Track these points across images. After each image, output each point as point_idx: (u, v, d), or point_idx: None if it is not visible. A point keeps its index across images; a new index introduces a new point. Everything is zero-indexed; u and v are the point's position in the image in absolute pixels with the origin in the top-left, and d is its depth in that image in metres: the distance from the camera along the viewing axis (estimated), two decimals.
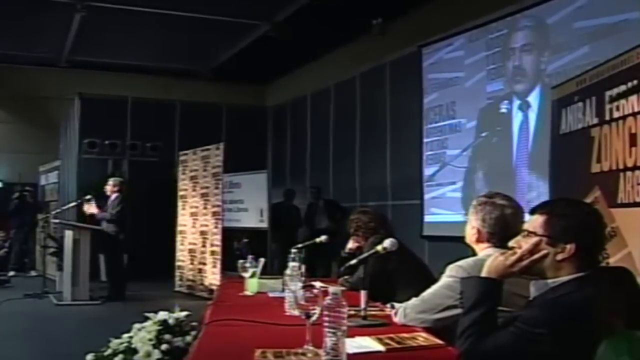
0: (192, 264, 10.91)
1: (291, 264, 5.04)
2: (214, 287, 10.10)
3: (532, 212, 2.50)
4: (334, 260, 11.56)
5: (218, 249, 10.23)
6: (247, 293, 4.43)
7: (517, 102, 8.79)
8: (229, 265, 10.43)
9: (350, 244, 5.07)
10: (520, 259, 2.41)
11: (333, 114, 13.40)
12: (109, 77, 16.09)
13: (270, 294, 4.36)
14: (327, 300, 2.28)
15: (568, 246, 2.34)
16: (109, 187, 10.36)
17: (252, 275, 4.49)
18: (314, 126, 14.16)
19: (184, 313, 4.08)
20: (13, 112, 16.45)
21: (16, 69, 16.12)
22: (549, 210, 2.44)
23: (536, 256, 2.37)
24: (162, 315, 4.01)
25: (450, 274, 3.11)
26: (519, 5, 8.87)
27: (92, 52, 14.95)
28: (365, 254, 3.51)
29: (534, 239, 2.39)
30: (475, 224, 3.23)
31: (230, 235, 11.27)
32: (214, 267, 10.25)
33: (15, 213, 13.98)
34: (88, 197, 10.50)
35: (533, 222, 2.46)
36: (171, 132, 14.64)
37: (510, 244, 2.51)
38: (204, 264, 10.53)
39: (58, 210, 11.51)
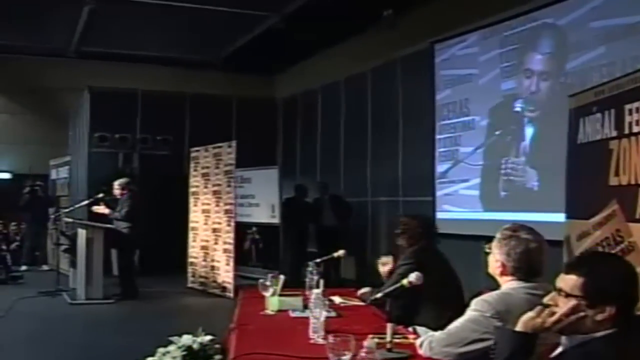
0: (204, 260, 10.98)
1: (308, 277, 5.16)
2: (227, 285, 10.23)
3: (568, 270, 2.48)
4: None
5: (231, 247, 10.29)
6: (268, 312, 4.47)
7: (526, 104, 8.79)
8: (240, 259, 10.55)
9: (381, 268, 5.14)
10: (557, 321, 2.41)
11: (344, 108, 13.40)
12: (118, 67, 16.08)
13: (292, 314, 4.40)
14: (362, 353, 2.31)
15: (608, 308, 2.34)
16: (117, 190, 10.40)
17: (273, 294, 4.52)
18: (325, 120, 14.16)
19: (208, 337, 4.12)
20: (22, 104, 16.48)
21: (25, 60, 16.11)
22: (587, 271, 2.42)
23: (573, 318, 2.37)
24: (186, 339, 4.04)
25: (476, 308, 3.14)
26: (533, 3, 8.84)
27: (101, 42, 14.94)
28: (391, 288, 3.54)
29: (572, 303, 2.38)
30: (499, 258, 3.26)
31: (241, 230, 11.35)
32: (227, 264, 10.32)
33: (27, 208, 14.02)
34: (100, 195, 10.55)
35: (569, 282, 2.42)
36: (181, 125, 14.65)
37: (546, 300, 2.50)
38: (217, 261, 10.59)
39: (70, 209, 11.52)
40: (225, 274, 10.35)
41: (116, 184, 10.50)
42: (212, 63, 15.87)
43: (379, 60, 12.17)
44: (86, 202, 10.91)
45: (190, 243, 11.50)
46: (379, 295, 3.48)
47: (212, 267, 10.71)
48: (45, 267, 13.94)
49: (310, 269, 5.20)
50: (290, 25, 12.09)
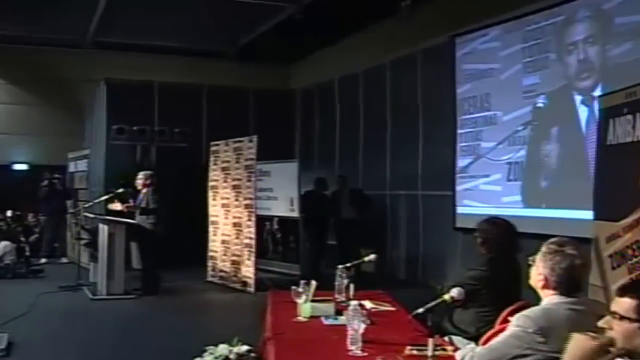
0: (225, 255, 11.00)
1: (337, 281, 5.18)
2: (248, 280, 10.25)
3: (622, 293, 2.49)
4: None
5: (252, 242, 10.31)
6: (301, 319, 4.48)
7: (579, 98, 8.49)
8: (257, 252, 10.55)
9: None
10: (612, 344, 2.41)
11: (362, 101, 13.37)
12: (134, 58, 16.13)
13: (325, 321, 4.41)
14: None
15: None
16: (141, 181, 10.37)
17: (306, 301, 4.54)
18: (343, 112, 14.14)
19: (245, 347, 4.13)
20: (38, 95, 16.54)
21: (41, 51, 16.17)
22: None
23: (630, 344, 2.37)
24: (222, 349, 4.05)
25: (518, 324, 3.14)
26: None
27: (117, 33, 14.98)
28: (433, 303, 3.55)
29: (629, 326, 2.38)
30: (542, 271, 3.25)
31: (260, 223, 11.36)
32: (248, 259, 10.34)
33: (45, 200, 14.08)
34: (120, 190, 10.57)
35: (624, 305, 2.43)
36: (198, 117, 14.64)
37: (601, 324, 2.50)
38: (238, 255, 10.60)
39: (90, 204, 11.56)
40: (246, 269, 10.37)
41: (140, 174, 10.49)
42: (228, 53, 15.90)
43: (399, 53, 12.14)
44: (105, 197, 10.91)
45: (211, 237, 11.53)
46: (420, 310, 3.46)
47: (233, 262, 10.73)
48: (64, 260, 14.01)
49: (339, 272, 5.23)
50: (308, 16, 12.09)
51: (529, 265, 3.37)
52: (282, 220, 12.56)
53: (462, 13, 10.54)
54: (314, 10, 11.85)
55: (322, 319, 4.48)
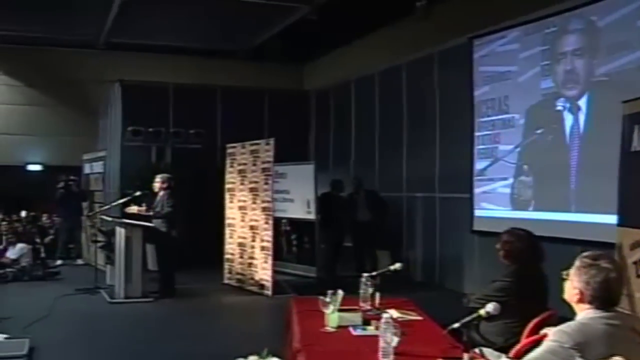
0: (241, 257, 11.01)
1: (362, 289, 5.18)
2: (265, 283, 10.26)
3: None
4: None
5: (269, 245, 10.31)
6: (329, 329, 4.49)
7: (567, 105, 8.75)
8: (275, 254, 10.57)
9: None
10: None
11: (378, 102, 13.36)
12: (148, 59, 16.21)
13: (353, 332, 4.42)
14: None
15: None
16: (158, 183, 10.39)
17: (333, 311, 4.54)
18: (359, 113, 14.14)
19: (275, 359, 4.14)
20: (52, 96, 16.65)
21: (54, 52, 16.28)
22: None
23: None
24: None
25: (555, 339, 3.13)
26: (573, 2, 8.75)
27: (130, 34, 15.02)
28: (468, 318, 3.55)
29: None
30: (578, 285, 3.24)
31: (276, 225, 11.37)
32: (265, 262, 10.35)
33: (61, 202, 14.13)
34: (138, 193, 10.60)
35: None
36: (213, 118, 14.68)
37: None
38: (255, 258, 10.62)
39: (107, 207, 11.58)
40: (263, 272, 10.38)
41: (158, 177, 10.51)
42: (241, 53, 15.91)
43: (415, 54, 12.13)
44: (122, 200, 10.92)
45: (227, 239, 11.53)
46: (456, 325, 3.46)
47: (250, 264, 10.75)
48: (79, 262, 14.09)
49: (364, 280, 5.23)
50: (322, 16, 12.09)
51: (563, 280, 3.36)
52: (298, 222, 12.55)
53: (480, 14, 10.52)
54: (328, 10, 11.86)
55: (350, 329, 4.49)
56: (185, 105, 14.36)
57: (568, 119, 8.74)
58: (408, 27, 12.19)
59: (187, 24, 14.00)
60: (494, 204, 10.15)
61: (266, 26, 14.04)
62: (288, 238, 13.02)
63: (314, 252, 12.37)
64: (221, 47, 15.93)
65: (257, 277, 10.54)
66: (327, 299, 4.60)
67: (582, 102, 8.53)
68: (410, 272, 11.97)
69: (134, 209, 10.40)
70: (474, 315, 3.51)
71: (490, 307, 3.45)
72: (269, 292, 10.16)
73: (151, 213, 10.23)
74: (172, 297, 10.11)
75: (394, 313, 4.94)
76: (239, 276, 11.07)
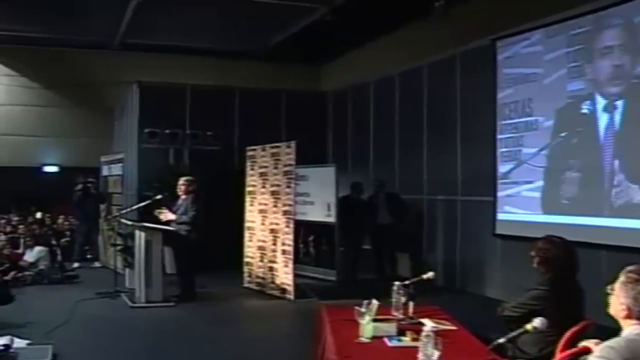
0: (261, 261, 11.00)
1: (395, 298, 5.17)
2: (287, 287, 10.25)
3: None
4: None
5: (290, 249, 10.30)
6: (363, 340, 4.48)
7: (602, 103, 8.66)
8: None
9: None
10: None
11: (398, 103, 13.33)
12: (164, 59, 16.24)
13: (389, 343, 4.41)
14: None
15: None
16: (183, 186, 10.36)
17: (369, 321, 4.53)
18: (378, 115, 14.10)
19: None
20: (68, 97, 16.73)
21: (70, 52, 16.37)
22: None
23: None
24: None
25: (602, 355, 3.11)
26: (604, 1, 8.69)
27: (146, 34, 15.04)
28: (515, 333, 3.53)
29: None
30: (625, 301, 3.21)
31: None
32: (286, 266, 10.34)
33: (79, 204, 14.11)
34: (159, 197, 10.60)
35: None
36: (231, 119, 14.67)
37: None
38: (275, 262, 10.62)
39: (128, 209, 11.57)
40: (284, 276, 10.38)
41: (182, 180, 10.48)
42: (258, 54, 15.91)
43: (437, 56, 12.08)
44: (143, 204, 10.90)
45: (247, 243, 11.52)
46: (501, 340, 3.44)
47: (270, 268, 10.74)
48: (97, 264, 14.12)
49: (396, 289, 5.22)
50: (339, 16, 12.09)
51: (608, 294, 3.34)
52: (317, 224, 12.54)
53: (500, 15, 10.49)
54: (346, 11, 11.85)
55: (386, 339, 4.48)
56: (203, 107, 14.34)
57: (603, 118, 8.62)
58: (428, 28, 12.15)
59: (204, 24, 14.00)
60: (518, 207, 10.11)
61: (283, 27, 14.04)
62: (306, 241, 13.02)
63: (333, 255, 12.36)
64: (238, 47, 15.93)
65: (278, 281, 10.53)
66: (363, 309, 4.60)
67: (619, 102, 8.42)
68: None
69: (168, 214, 10.28)
70: (521, 330, 3.48)
71: (537, 322, 3.43)
72: (291, 297, 10.16)
73: (172, 217, 10.21)
74: (193, 301, 10.10)
75: (428, 323, 4.94)
76: (259, 280, 11.06)
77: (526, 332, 3.43)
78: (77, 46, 16.14)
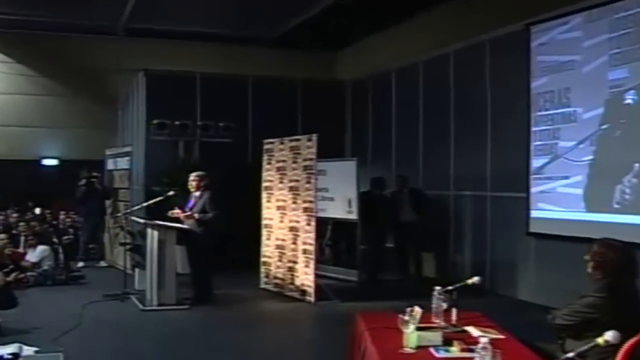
0: (280, 261, 10.95)
1: (435, 304, 5.12)
2: (307, 288, 10.20)
3: None
4: None
5: (311, 248, 10.24)
6: (408, 350, 4.43)
7: None
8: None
9: None
10: None
11: (422, 93, 13.23)
12: (171, 46, 16.18)
13: (436, 354, 4.35)
14: None
15: None
16: (195, 182, 10.28)
17: (413, 330, 4.49)
18: (400, 105, 13.99)
19: None
20: (68, 85, 16.71)
21: (70, 38, 16.31)
22: None
23: None
24: None
25: None
26: None
27: (152, 19, 14.97)
28: (585, 347, 3.47)
29: None
30: None
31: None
32: (307, 266, 10.28)
33: (83, 200, 14.06)
34: (171, 193, 10.55)
35: None
36: (244, 110, 14.56)
37: None
38: (295, 262, 10.57)
39: (138, 207, 11.50)
40: (305, 277, 10.32)
41: (193, 175, 10.40)
42: (269, 40, 15.85)
43: (464, 42, 11.98)
44: (153, 201, 10.83)
45: (264, 241, 11.47)
46: (571, 355, 3.38)
47: (289, 268, 10.69)
48: (103, 264, 14.10)
49: (436, 295, 5.17)
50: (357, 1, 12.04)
51: None
52: (337, 222, 12.48)
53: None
54: None
55: (432, 349, 4.42)
56: (213, 96, 14.25)
57: None
58: (453, 12, 12.08)
59: (213, 8, 13.94)
60: (554, 204, 10.01)
61: (298, 10, 13.97)
62: (325, 239, 13.00)
63: (354, 254, 12.30)
64: (249, 33, 15.87)
65: (297, 282, 10.48)
66: (406, 317, 4.55)
67: None
68: (457, 276, 11.87)
69: (179, 213, 10.20)
70: (592, 344, 3.43)
71: (610, 335, 3.37)
72: (312, 299, 10.11)
73: (196, 217, 10.11)
74: (208, 303, 10.05)
75: (474, 331, 4.89)
76: (277, 281, 11.01)
77: (597, 345, 3.38)
78: (78, 31, 16.09)
